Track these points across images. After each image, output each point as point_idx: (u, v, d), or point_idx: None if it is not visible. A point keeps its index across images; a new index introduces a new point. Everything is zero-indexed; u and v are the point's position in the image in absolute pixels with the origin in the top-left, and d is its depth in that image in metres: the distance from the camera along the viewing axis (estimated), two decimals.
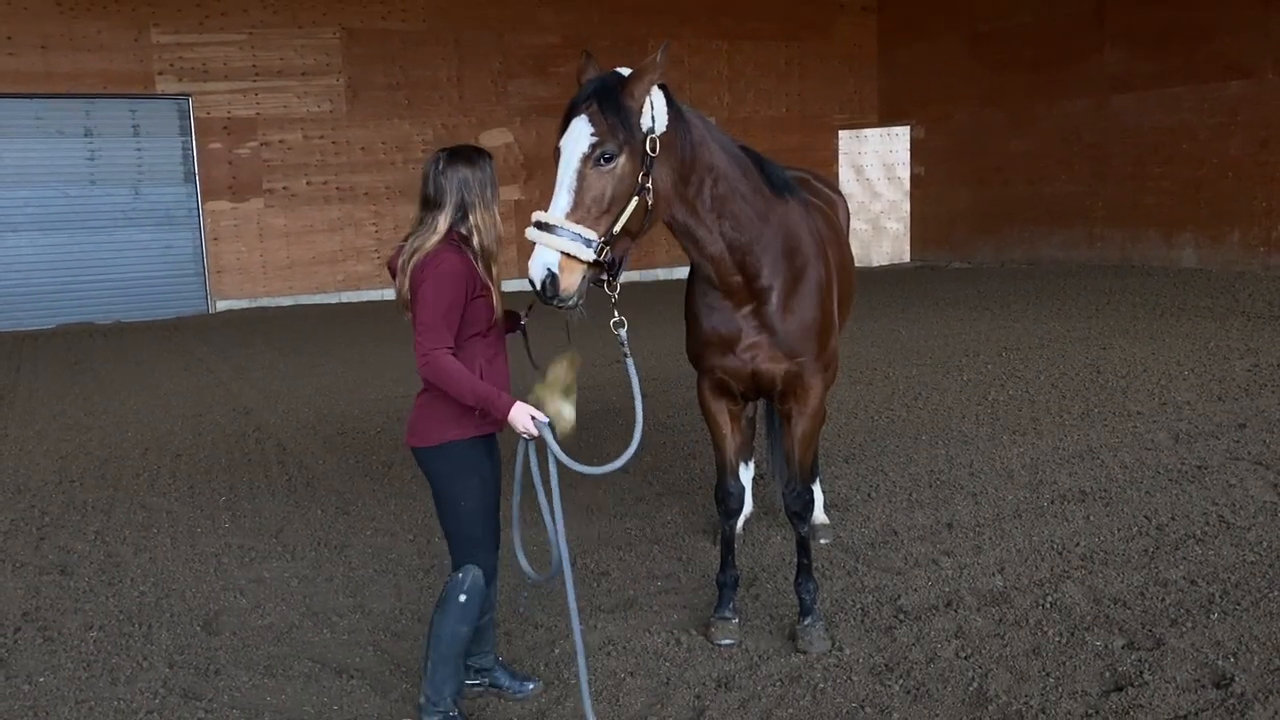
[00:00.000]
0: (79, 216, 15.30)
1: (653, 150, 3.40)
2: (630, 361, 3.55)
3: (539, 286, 3.30)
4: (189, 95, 15.64)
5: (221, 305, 16.11)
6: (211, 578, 5.08)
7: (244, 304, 16.22)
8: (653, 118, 3.41)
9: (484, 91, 17.49)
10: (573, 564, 4.02)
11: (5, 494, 6.59)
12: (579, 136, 3.34)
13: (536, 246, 3.31)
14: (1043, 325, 11.29)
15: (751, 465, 5.58)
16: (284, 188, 16.37)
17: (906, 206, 19.82)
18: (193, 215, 15.97)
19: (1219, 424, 6.90)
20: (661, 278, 17.96)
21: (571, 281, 3.30)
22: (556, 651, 4.15)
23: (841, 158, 19.86)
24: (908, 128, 19.57)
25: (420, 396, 3.52)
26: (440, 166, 3.42)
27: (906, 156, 19.66)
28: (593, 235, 3.31)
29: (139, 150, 15.61)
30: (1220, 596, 4.28)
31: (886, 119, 19.98)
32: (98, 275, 15.47)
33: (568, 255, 3.28)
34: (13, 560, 5.38)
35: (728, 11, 18.62)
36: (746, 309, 3.90)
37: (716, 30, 18.71)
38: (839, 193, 5.31)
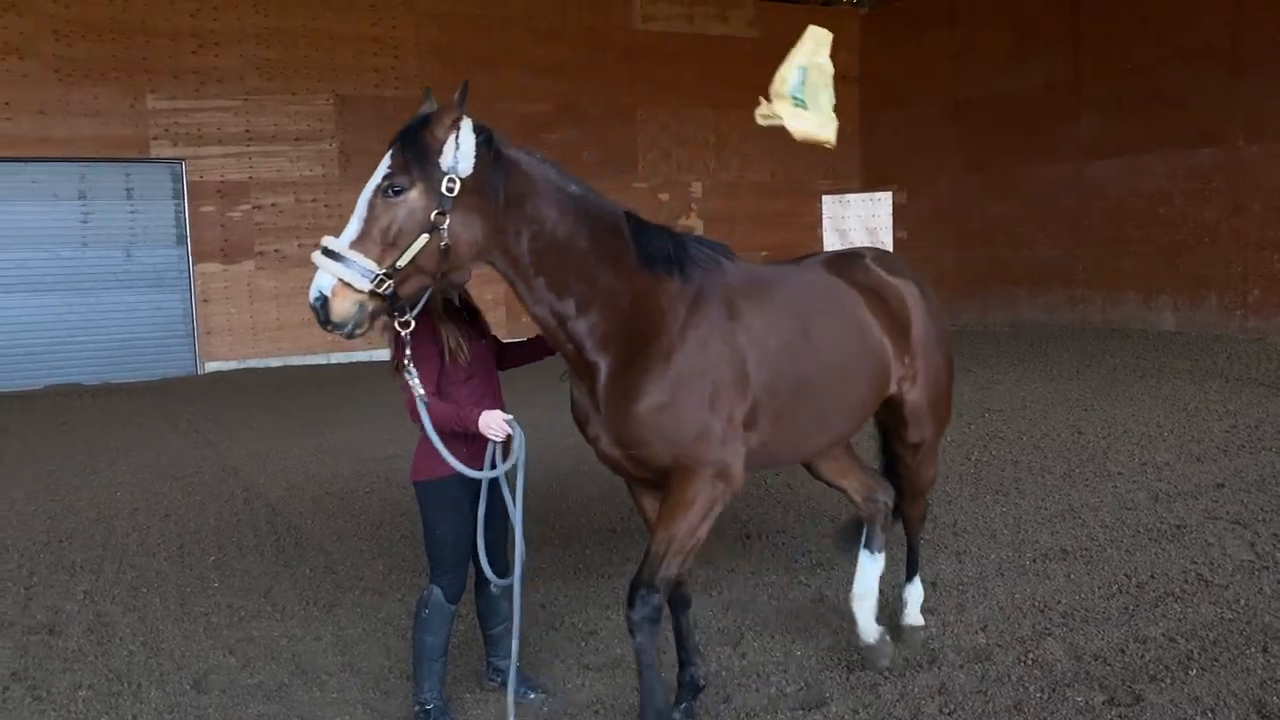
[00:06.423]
0: (70, 278, 15.39)
1: (449, 190, 3.37)
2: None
3: (313, 309, 3.38)
4: (183, 160, 15.85)
5: (210, 366, 16.15)
6: (201, 637, 5.09)
7: (233, 365, 16.26)
8: (456, 158, 3.40)
9: None
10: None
11: None
12: (378, 171, 3.44)
13: (317, 271, 3.39)
14: (1025, 387, 11.43)
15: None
16: (275, 250, 16.52)
17: None
18: (183, 277, 16.08)
19: (1197, 484, 7.01)
20: None
21: (344, 308, 3.34)
22: (545, 710, 4.18)
23: (825, 222, 20.19)
24: (890, 193, 19.93)
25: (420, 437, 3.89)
26: None
27: (889, 221, 19.98)
28: (372, 266, 3.34)
29: (132, 213, 15.77)
30: (1199, 653, 4.35)
31: (869, 184, 20.35)
32: (87, 336, 15.50)
33: (344, 282, 3.33)
34: (1, 620, 5.39)
35: (714, 80, 19.05)
36: (586, 384, 3.67)
37: (703, 99, 19.16)
38: (905, 277, 4.52)
